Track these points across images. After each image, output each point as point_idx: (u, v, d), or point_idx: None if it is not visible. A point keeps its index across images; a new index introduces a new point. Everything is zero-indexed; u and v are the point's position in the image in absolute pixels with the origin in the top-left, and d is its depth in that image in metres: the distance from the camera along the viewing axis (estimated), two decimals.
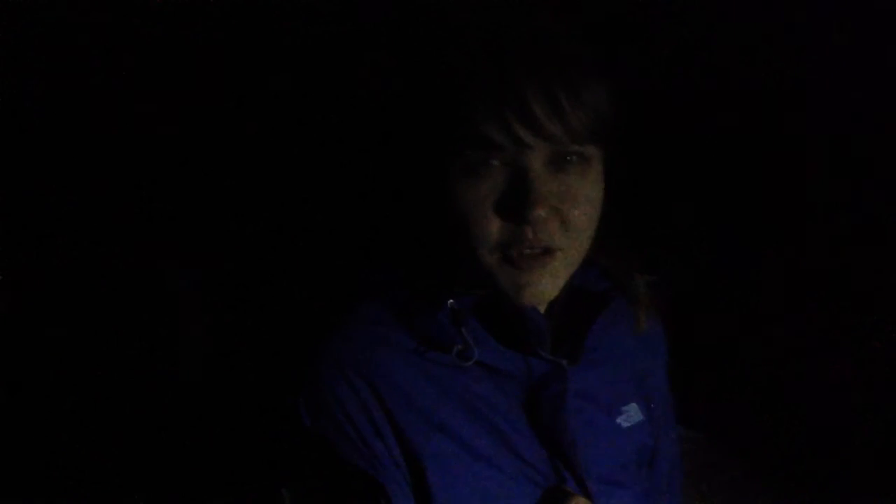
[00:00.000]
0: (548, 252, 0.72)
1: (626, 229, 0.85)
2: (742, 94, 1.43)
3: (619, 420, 0.85)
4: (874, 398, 1.43)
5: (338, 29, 1.34)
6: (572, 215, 0.72)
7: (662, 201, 1.46)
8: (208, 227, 1.54)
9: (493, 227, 0.71)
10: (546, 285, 0.74)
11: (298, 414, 0.76)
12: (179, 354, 1.61)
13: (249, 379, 1.39)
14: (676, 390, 0.98)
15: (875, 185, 1.33)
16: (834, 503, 1.45)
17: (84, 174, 1.52)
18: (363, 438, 0.75)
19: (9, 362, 1.55)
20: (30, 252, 1.55)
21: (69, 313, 1.59)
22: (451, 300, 0.77)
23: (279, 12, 1.38)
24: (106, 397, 1.59)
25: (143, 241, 1.55)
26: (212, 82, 1.46)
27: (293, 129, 1.43)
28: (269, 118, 1.46)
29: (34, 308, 1.58)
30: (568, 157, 0.71)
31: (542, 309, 0.82)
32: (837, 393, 1.49)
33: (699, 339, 1.56)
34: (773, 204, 1.50)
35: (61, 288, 1.57)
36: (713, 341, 1.62)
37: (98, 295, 1.56)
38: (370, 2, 1.28)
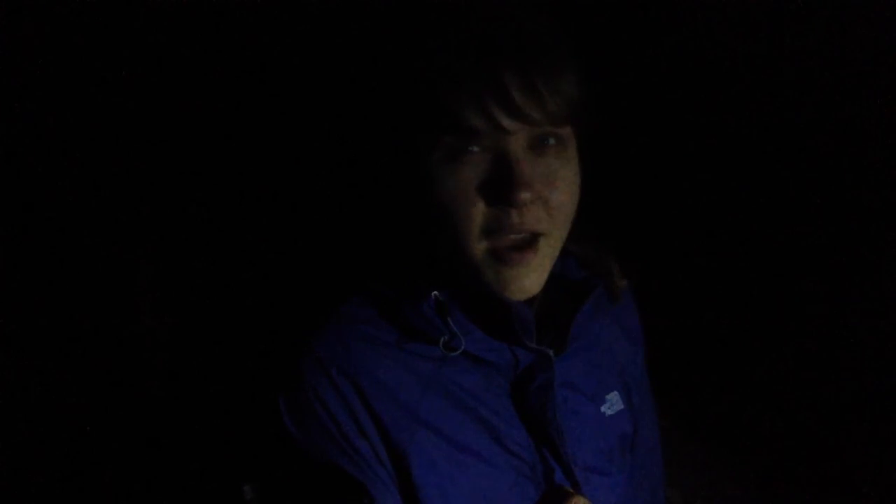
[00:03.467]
0: (533, 240, 0.72)
1: (599, 217, 0.85)
2: (734, 88, 1.44)
3: (602, 408, 0.85)
4: (850, 385, 1.45)
5: (317, 20, 1.32)
6: (555, 199, 0.73)
7: (637, 190, 1.47)
8: (191, 224, 1.50)
9: (478, 212, 0.71)
10: (531, 280, 0.74)
11: (280, 414, 0.75)
12: (148, 351, 1.57)
13: (225, 378, 1.36)
14: (654, 380, 0.98)
15: (873, 179, 1.34)
16: (810, 490, 1.47)
17: (64, 171, 1.48)
18: (347, 438, 0.74)
19: None
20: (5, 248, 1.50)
21: (39, 309, 1.54)
22: (436, 292, 0.76)
23: (260, 5, 1.36)
24: (76, 395, 1.55)
25: (121, 238, 1.52)
26: (193, 75, 1.42)
27: (272, 125, 1.41)
28: (249, 113, 1.43)
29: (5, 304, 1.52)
30: (546, 141, 0.72)
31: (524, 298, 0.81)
32: (814, 381, 1.51)
33: (678, 330, 1.57)
34: (758, 193, 1.50)
35: (28, 285, 1.52)
36: (691, 331, 1.63)
37: (78, 290, 1.52)
38: None
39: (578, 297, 0.83)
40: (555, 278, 0.84)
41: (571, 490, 0.59)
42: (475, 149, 0.70)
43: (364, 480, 0.72)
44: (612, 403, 0.86)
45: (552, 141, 0.72)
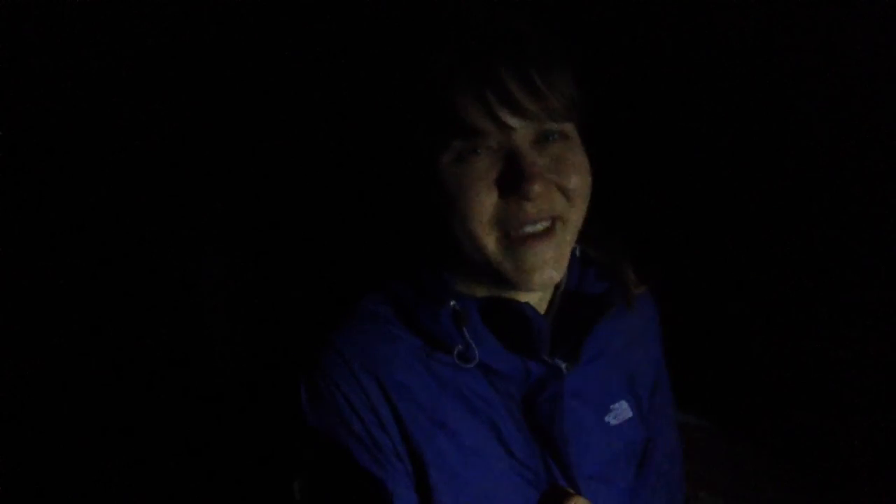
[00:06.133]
0: (550, 227, 0.74)
1: (617, 218, 0.84)
2: (740, 89, 1.40)
3: (607, 418, 0.86)
4: (885, 385, 1.39)
5: (325, 29, 1.34)
6: (569, 182, 0.75)
7: (658, 193, 1.44)
8: (202, 223, 1.55)
9: (490, 204, 0.73)
10: (550, 265, 0.75)
11: (302, 409, 0.78)
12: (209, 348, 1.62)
13: (264, 373, 1.39)
14: (686, 379, 0.96)
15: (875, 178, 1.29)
16: (842, 490, 1.42)
17: (111, 172, 1.54)
18: (369, 432, 0.76)
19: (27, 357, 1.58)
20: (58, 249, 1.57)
21: (94, 308, 1.61)
22: (454, 301, 0.78)
23: (270, 13, 1.38)
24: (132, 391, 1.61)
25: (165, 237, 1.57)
26: (217, 82, 1.46)
27: (293, 134, 1.44)
28: (273, 121, 1.46)
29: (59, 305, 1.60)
30: (549, 137, 0.75)
31: (541, 310, 0.83)
32: (849, 381, 1.45)
33: (709, 329, 1.54)
34: (774, 195, 1.46)
35: (89, 283, 1.59)
36: (723, 330, 1.59)
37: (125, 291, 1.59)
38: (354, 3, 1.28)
39: (596, 310, 0.83)
40: (571, 292, 0.85)
41: (571, 490, 0.59)
42: (481, 151, 0.73)
43: (383, 475, 0.75)
44: (618, 413, 0.86)
45: (555, 136, 0.75)
